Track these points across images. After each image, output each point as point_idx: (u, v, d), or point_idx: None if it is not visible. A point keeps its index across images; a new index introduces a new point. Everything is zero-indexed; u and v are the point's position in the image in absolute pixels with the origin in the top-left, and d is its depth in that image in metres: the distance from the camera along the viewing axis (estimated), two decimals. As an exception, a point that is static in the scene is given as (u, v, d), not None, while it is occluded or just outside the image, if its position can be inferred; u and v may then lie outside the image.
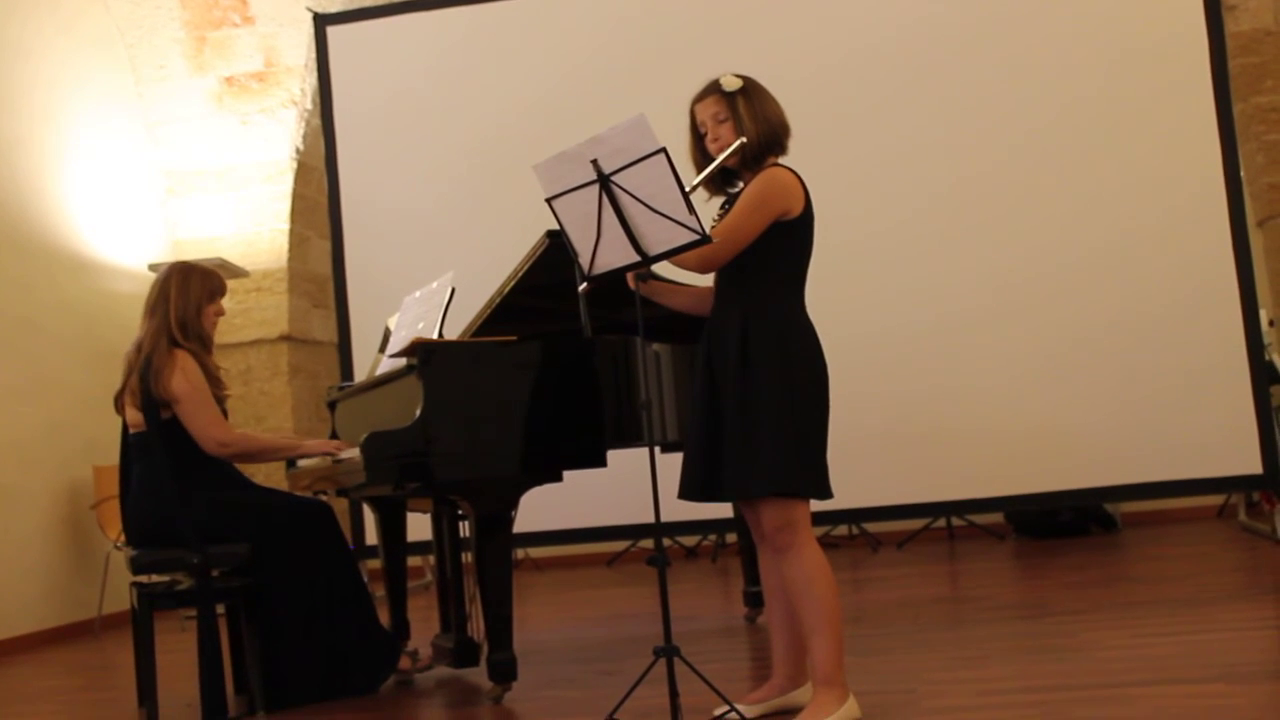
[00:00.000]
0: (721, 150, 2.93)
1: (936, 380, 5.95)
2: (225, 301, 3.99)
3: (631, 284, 3.01)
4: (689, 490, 2.99)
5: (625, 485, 4.02)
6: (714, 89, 2.96)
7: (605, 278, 2.93)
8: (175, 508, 3.62)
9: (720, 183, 3.05)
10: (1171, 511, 6.97)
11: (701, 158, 3.02)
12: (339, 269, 6.63)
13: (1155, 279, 5.83)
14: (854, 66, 6.09)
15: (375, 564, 5.04)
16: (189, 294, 3.84)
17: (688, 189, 2.75)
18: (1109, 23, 5.95)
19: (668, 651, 2.88)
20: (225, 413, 3.89)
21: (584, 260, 2.93)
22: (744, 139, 2.90)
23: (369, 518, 5.79)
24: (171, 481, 3.64)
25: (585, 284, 2.98)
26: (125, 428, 3.90)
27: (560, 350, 3.65)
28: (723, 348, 2.93)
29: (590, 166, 2.78)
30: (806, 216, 2.93)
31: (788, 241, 2.92)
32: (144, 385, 3.70)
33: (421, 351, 3.48)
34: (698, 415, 3.00)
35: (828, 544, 7.22)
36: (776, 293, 2.92)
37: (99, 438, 6.29)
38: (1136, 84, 5.91)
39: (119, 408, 3.90)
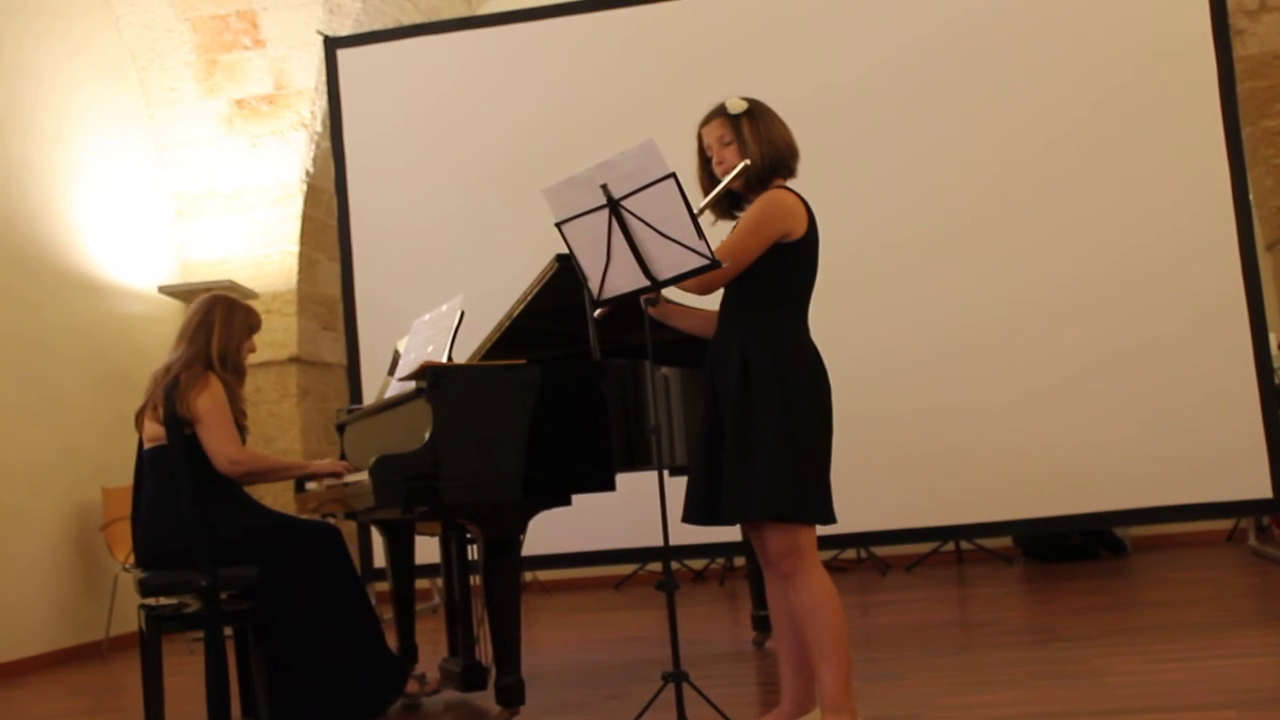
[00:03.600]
0: (727, 174, 2.94)
1: (945, 402, 5.94)
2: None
3: (643, 304, 3.01)
4: (691, 513, 2.98)
5: (633, 509, 4.02)
6: (719, 112, 2.97)
7: (616, 301, 2.94)
8: (187, 525, 3.62)
9: (727, 206, 3.05)
10: (1181, 536, 6.94)
11: (709, 181, 3.02)
12: (348, 291, 6.64)
13: (1164, 301, 5.82)
14: (861, 87, 6.10)
15: (383, 587, 5.04)
16: (233, 328, 3.89)
17: (695, 212, 2.76)
18: (1116, 46, 5.95)
19: (676, 676, 2.88)
20: (244, 436, 3.91)
21: (594, 284, 2.94)
22: (748, 161, 2.91)
23: (377, 540, 5.81)
24: (187, 497, 3.64)
25: (599, 309, 2.99)
26: (140, 445, 3.91)
27: (569, 374, 3.66)
28: (724, 371, 2.93)
29: (600, 191, 2.79)
30: (809, 239, 2.92)
31: (788, 264, 2.91)
32: (169, 401, 3.73)
33: (431, 375, 3.49)
34: (701, 438, 3.00)
35: (836, 568, 7.21)
36: (776, 315, 2.92)
37: (108, 459, 6.31)
38: (1145, 107, 5.91)
39: (139, 424, 3.92)
